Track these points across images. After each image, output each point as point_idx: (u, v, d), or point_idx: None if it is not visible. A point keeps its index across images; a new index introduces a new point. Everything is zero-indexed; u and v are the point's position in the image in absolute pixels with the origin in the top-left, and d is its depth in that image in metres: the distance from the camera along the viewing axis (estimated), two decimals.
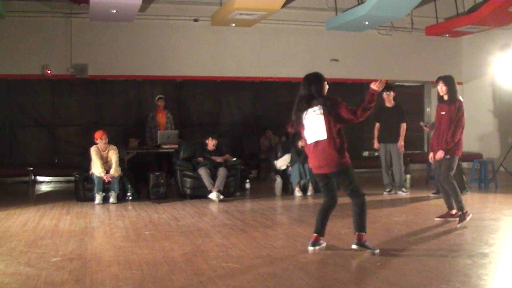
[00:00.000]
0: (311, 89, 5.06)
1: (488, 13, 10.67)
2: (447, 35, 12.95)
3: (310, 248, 5.13)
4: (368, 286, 4.14)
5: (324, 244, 5.19)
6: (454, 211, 6.52)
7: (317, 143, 5.02)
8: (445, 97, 6.42)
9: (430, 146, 6.73)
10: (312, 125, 5.02)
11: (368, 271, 4.53)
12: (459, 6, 12.35)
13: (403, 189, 9.23)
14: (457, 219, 6.35)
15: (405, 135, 9.22)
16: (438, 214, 6.74)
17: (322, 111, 4.97)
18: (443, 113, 6.44)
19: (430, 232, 6.02)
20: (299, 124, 5.16)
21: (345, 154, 5.02)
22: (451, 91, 6.38)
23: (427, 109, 14.58)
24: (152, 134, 10.95)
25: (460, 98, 6.40)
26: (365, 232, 5.07)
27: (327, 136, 4.95)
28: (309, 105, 5.03)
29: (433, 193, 8.85)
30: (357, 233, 5.05)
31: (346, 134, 5.12)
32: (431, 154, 6.59)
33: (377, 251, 5.00)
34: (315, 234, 5.15)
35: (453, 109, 6.32)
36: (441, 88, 6.44)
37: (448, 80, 6.44)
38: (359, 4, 11.07)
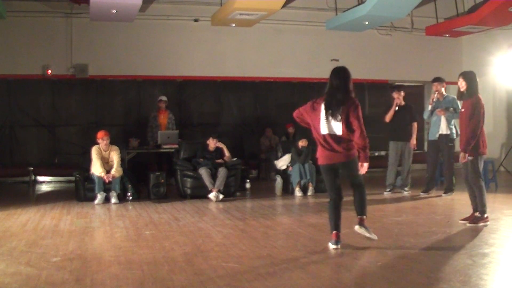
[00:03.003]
0: (347, 82, 5.28)
1: (488, 13, 10.67)
2: (447, 35, 12.95)
3: (334, 246, 5.14)
4: (368, 286, 4.14)
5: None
6: (478, 213, 6.35)
7: (331, 135, 5.15)
8: (465, 93, 6.27)
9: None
10: (331, 121, 5.13)
11: (368, 271, 4.54)
12: (459, 6, 12.34)
13: (406, 188, 9.26)
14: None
15: None
16: (438, 214, 6.74)
17: (342, 112, 5.10)
18: (462, 110, 6.31)
19: (430, 232, 6.02)
20: (313, 113, 5.19)
21: (354, 146, 5.25)
22: (470, 86, 6.19)
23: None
24: (153, 134, 10.95)
25: (479, 94, 6.20)
26: (366, 216, 5.38)
27: (342, 133, 5.13)
28: (343, 101, 5.11)
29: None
30: (359, 216, 5.38)
31: None
32: (462, 154, 6.38)
33: (375, 237, 5.32)
34: (335, 231, 5.19)
35: (469, 105, 6.15)
36: (461, 84, 6.27)
37: (468, 76, 6.25)
38: (359, 4, 11.06)
